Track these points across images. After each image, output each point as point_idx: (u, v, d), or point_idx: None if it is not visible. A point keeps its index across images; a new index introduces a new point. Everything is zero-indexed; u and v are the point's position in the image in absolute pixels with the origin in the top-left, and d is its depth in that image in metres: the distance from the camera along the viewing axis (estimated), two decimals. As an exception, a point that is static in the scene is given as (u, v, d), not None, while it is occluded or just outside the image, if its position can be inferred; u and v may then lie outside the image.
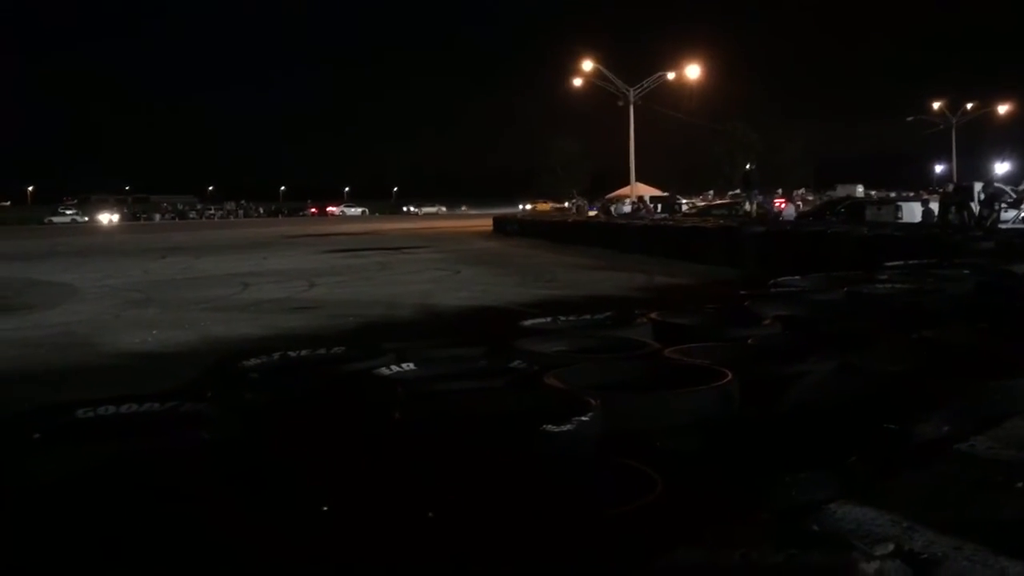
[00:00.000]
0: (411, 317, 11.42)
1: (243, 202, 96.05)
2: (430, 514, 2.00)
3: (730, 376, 3.27)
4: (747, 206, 31.99)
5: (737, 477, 2.59)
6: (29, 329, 11.04)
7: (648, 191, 57.82)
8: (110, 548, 1.97)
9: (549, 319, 5.11)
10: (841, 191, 63.04)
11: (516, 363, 3.67)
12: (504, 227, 37.62)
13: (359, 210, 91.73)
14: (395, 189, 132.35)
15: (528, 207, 75.51)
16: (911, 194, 48.36)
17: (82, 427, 2.70)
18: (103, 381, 7.50)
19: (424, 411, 2.87)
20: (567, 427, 2.61)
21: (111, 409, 2.84)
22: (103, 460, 2.30)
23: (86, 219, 70.27)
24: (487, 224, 41.29)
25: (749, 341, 4.31)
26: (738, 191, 50.07)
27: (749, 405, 3.26)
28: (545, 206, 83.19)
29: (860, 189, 67.36)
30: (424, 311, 11.94)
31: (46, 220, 69.82)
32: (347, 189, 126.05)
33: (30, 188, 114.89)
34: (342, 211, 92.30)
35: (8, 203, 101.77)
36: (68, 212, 75.23)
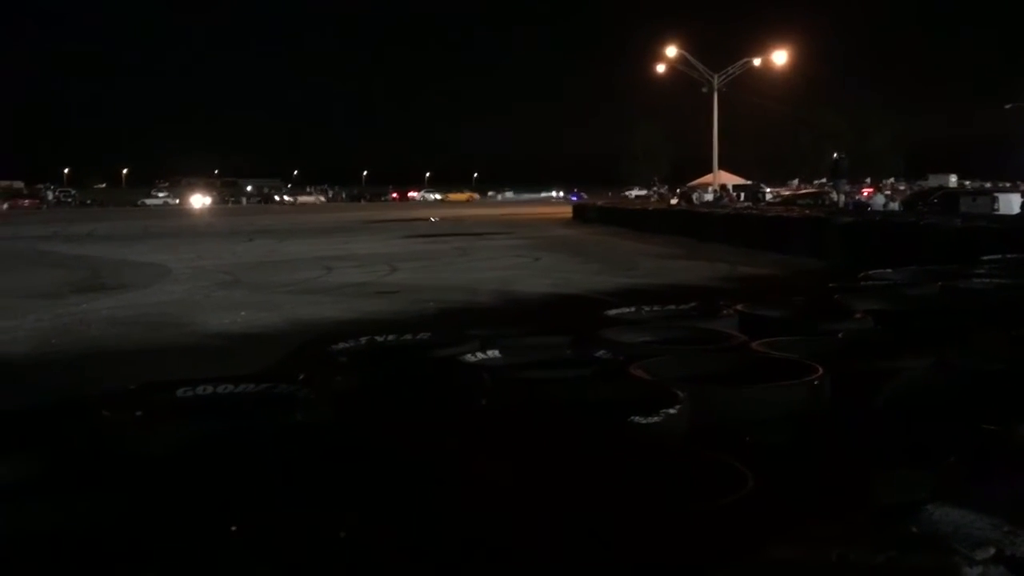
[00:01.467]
0: (491, 303, 11.48)
1: (326, 186, 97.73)
2: (517, 502, 2.01)
3: (821, 371, 3.21)
4: (834, 195, 31.22)
5: (830, 475, 2.54)
6: (124, 308, 11.45)
7: (731, 179, 56.91)
8: (211, 525, 2.04)
9: (633, 309, 5.08)
10: (933, 181, 61.11)
11: (601, 353, 3.66)
12: (584, 214, 37.48)
13: (440, 196, 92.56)
14: (475, 175, 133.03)
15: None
16: (1008, 184, 46.44)
17: (182, 406, 2.80)
18: (194, 360, 7.74)
19: (511, 399, 2.90)
20: (655, 419, 2.60)
21: (209, 389, 2.93)
22: (204, 438, 2.39)
23: (177, 202, 72.42)
24: (567, 211, 41.21)
25: (840, 335, 4.22)
26: (824, 180, 48.91)
27: (840, 401, 3.20)
28: (461, 196, 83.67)
29: (953, 179, 65.20)
30: (504, 298, 11.99)
31: (139, 202, 72.16)
32: (428, 175, 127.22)
33: (125, 170, 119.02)
34: (423, 196, 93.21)
35: (104, 185, 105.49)
36: (160, 195, 77.66)
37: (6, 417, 3.12)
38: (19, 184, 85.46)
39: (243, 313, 10.69)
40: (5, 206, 58.57)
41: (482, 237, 26.25)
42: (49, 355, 8.15)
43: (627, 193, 71.63)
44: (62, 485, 2.34)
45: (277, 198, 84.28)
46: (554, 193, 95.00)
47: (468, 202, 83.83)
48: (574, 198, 76.74)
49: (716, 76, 48.37)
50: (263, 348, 8.01)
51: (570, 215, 39.67)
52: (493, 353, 3.66)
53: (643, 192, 67.62)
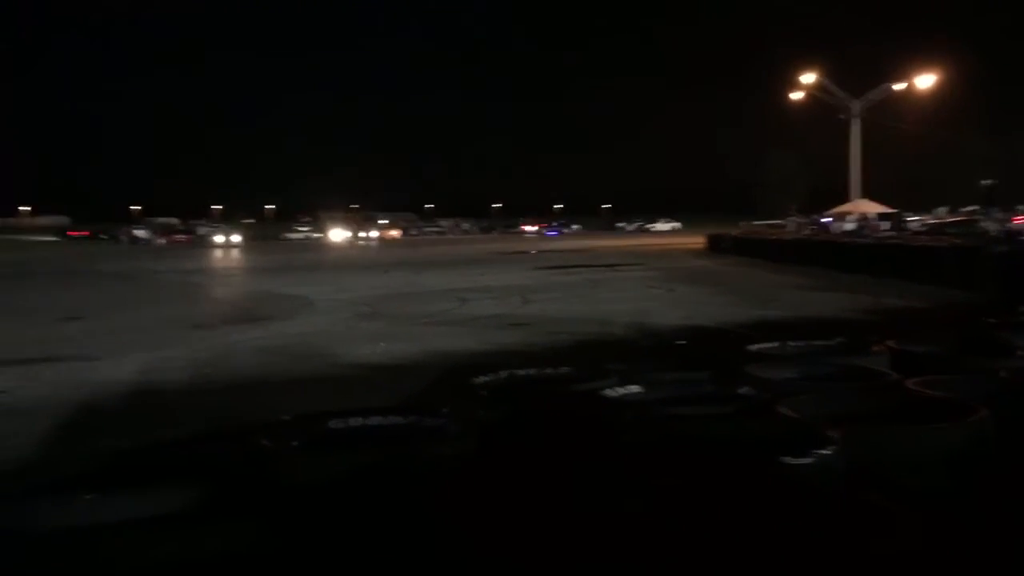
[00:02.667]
0: (625, 336, 11.41)
1: (458, 220, 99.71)
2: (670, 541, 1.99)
3: (983, 412, 3.04)
4: (986, 223, 29.66)
5: (997, 521, 2.40)
6: (271, 339, 11.95)
7: (872, 207, 54.79)
8: (366, 551, 2.10)
9: (777, 344, 4.96)
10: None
11: (745, 390, 3.59)
12: (718, 244, 36.87)
13: (572, 227, 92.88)
14: (606, 206, 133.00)
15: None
16: None
17: (335, 436, 2.91)
18: (338, 390, 8.00)
19: (655, 435, 2.87)
20: (806, 460, 2.52)
21: (359, 420, 3.03)
22: (357, 469, 2.47)
23: (318, 235, 75.27)
24: (700, 241, 40.65)
25: (1001, 374, 3.99)
26: (975, 208, 46.47)
27: (1005, 445, 3.02)
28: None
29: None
30: (638, 330, 11.89)
31: (282, 236, 75.33)
32: (557, 207, 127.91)
33: (270, 206, 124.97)
34: (546, 228, 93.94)
35: (252, 221, 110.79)
36: (303, 229, 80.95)
37: (168, 446, 3.29)
38: (174, 220, 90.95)
39: (382, 344, 10.99)
40: (162, 240, 62.25)
41: (614, 268, 26.17)
42: (203, 384, 8.58)
43: (771, 223, 69.51)
44: (223, 513, 2.46)
45: (413, 232, 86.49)
46: (661, 224, 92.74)
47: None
48: (552, 233, 75.30)
49: (856, 102, 46.90)
50: (402, 379, 8.21)
51: (703, 246, 39.10)
52: (634, 388, 3.64)
53: (779, 222, 65.81)
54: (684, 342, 10.41)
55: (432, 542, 2.04)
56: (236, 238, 55.13)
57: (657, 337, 11.23)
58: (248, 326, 13.47)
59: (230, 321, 14.09)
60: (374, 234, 65.45)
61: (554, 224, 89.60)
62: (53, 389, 8.32)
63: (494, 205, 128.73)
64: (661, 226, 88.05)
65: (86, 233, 71.44)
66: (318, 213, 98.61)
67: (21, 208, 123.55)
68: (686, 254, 34.96)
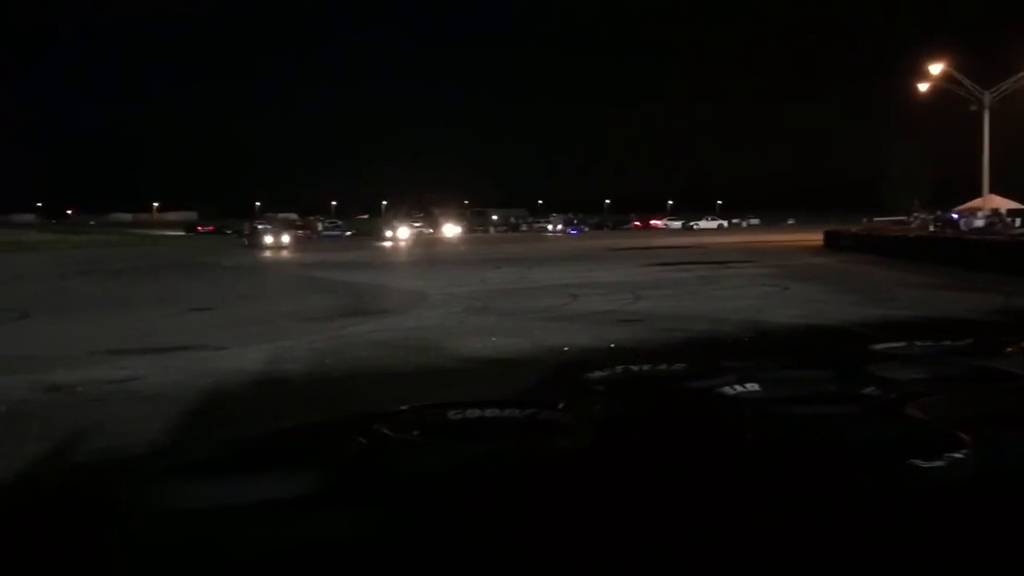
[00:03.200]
0: (739, 334, 11.19)
1: (569, 215, 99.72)
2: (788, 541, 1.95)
3: None
4: None
5: None
6: (386, 332, 12.22)
7: (1005, 203, 52.09)
8: (483, 541, 2.13)
9: (903, 344, 4.78)
10: None
11: (870, 390, 3.48)
12: (836, 241, 35.71)
13: (682, 223, 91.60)
14: (719, 202, 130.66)
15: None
16: None
17: (454, 427, 2.96)
18: (452, 382, 8.11)
19: (774, 434, 2.81)
20: (938, 463, 2.43)
21: (477, 412, 3.08)
22: (477, 459, 2.51)
23: (430, 231, 76.43)
24: (816, 238, 39.48)
25: None
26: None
27: None
28: None
29: None
30: (752, 328, 11.65)
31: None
32: (670, 202, 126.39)
33: (384, 202, 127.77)
34: (666, 224, 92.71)
35: (366, 216, 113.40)
36: (416, 224, 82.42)
37: (292, 433, 3.41)
38: (294, 216, 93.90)
39: (494, 338, 11.09)
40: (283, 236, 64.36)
41: (726, 265, 25.69)
42: (323, 374, 8.84)
43: (895, 219, 66.64)
44: (346, 499, 2.54)
45: (524, 227, 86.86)
46: (706, 223, 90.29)
47: None
48: (574, 232, 73.18)
49: (987, 93, 44.66)
50: (515, 373, 8.27)
51: (820, 243, 37.97)
52: (752, 386, 3.57)
53: (903, 218, 63.17)
54: (800, 340, 10.15)
55: (548, 535, 2.06)
56: (348, 233, 56.36)
57: (772, 335, 10.98)
58: (364, 319, 13.80)
59: (347, 314, 14.46)
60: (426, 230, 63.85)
61: (575, 222, 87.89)
62: (183, 376, 8.72)
63: (606, 201, 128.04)
64: (706, 224, 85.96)
65: (211, 228, 74.54)
66: (430, 209, 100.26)
67: (153, 204, 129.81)
68: (802, 251, 34.00)
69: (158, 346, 10.99)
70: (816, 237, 39.62)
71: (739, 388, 3.55)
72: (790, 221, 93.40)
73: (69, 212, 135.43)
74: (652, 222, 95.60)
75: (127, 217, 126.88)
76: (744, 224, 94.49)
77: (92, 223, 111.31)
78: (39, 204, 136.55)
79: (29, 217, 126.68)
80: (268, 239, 43.83)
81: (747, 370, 4.01)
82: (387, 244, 52.85)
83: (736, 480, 2.35)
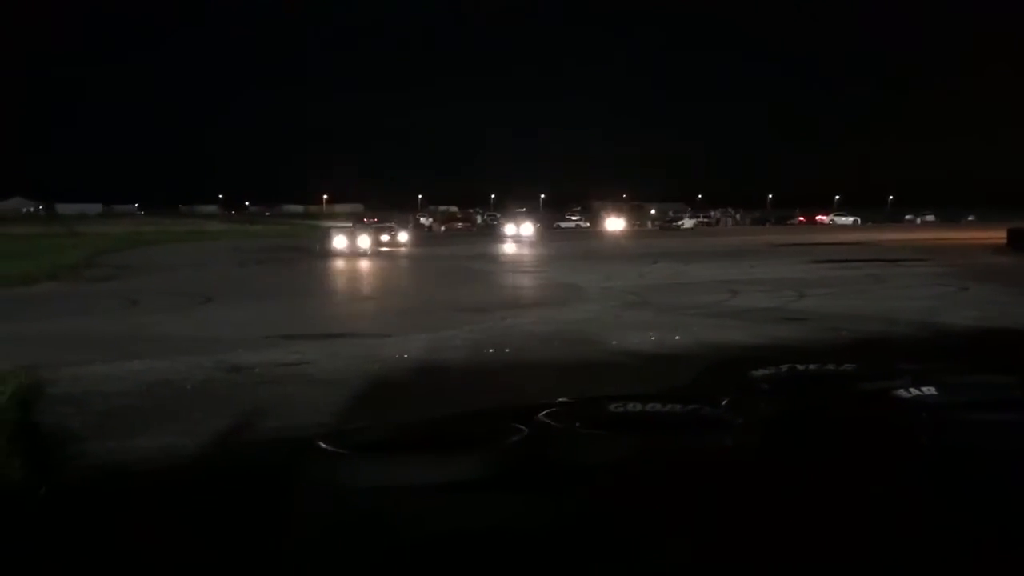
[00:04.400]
0: (912, 335, 10.66)
1: (729, 209, 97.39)
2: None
3: None
4: None
5: None
6: (543, 324, 12.33)
7: None
8: (647, 534, 2.12)
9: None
10: None
11: (1062, 398, 3.24)
12: (1021, 240, 33.30)
13: (851, 219, 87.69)
14: (891, 197, 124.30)
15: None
16: None
17: (615, 420, 2.96)
18: (608, 376, 8.09)
19: (956, 442, 2.67)
20: None
21: (638, 406, 3.07)
22: (639, 453, 2.50)
23: (588, 225, 76.41)
24: (998, 236, 36.98)
25: None
26: None
27: None
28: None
29: None
30: (927, 329, 11.06)
31: (554, 225, 77.29)
32: (837, 197, 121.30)
33: (542, 196, 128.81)
34: (832, 220, 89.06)
35: (523, 209, 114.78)
36: (573, 218, 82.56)
37: (457, 419, 3.49)
38: (454, 208, 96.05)
39: (651, 334, 11.00)
40: (443, 228, 65.90)
41: (897, 264, 24.46)
42: (482, 363, 9.02)
43: None
44: (508, 486, 2.58)
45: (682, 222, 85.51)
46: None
47: None
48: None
49: None
50: (672, 368, 8.17)
51: (1004, 241, 35.53)
52: (929, 390, 3.40)
53: None
54: (979, 343, 9.55)
55: (716, 535, 2.03)
56: (512, 228, 56.86)
57: (948, 338, 10.39)
58: (522, 311, 13.97)
59: (505, 306, 14.69)
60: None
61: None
62: (350, 361, 9.09)
63: (769, 196, 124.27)
64: (843, 220, 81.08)
65: (375, 220, 77.06)
66: (589, 202, 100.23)
67: (323, 197, 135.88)
68: (982, 249, 31.95)
69: (326, 332, 11.52)
70: (999, 235, 37.10)
71: (915, 391, 3.38)
72: (969, 218, 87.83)
73: (247, 204, 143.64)
74: (818, 218, 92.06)
75: (299, 209, 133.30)
76: (918, 221, 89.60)
77: (267, 214, 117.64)
78: (220, 196, 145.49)
79: (211, 208, 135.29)
80: (346, 241, 33.11)
81: (923, 372, 3.81)
82: (547, 237, 53.19)
83: (915, 491, 2.24)
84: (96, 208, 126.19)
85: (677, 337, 10.58)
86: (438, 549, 2.27)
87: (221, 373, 8.39)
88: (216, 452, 5.61)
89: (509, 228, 55.64)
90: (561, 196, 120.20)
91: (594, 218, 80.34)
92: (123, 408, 6.94)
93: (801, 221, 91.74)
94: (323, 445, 2.91)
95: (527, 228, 55.44)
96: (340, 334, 11.25)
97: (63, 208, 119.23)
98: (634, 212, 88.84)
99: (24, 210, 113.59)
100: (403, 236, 36.70)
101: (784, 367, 3.95)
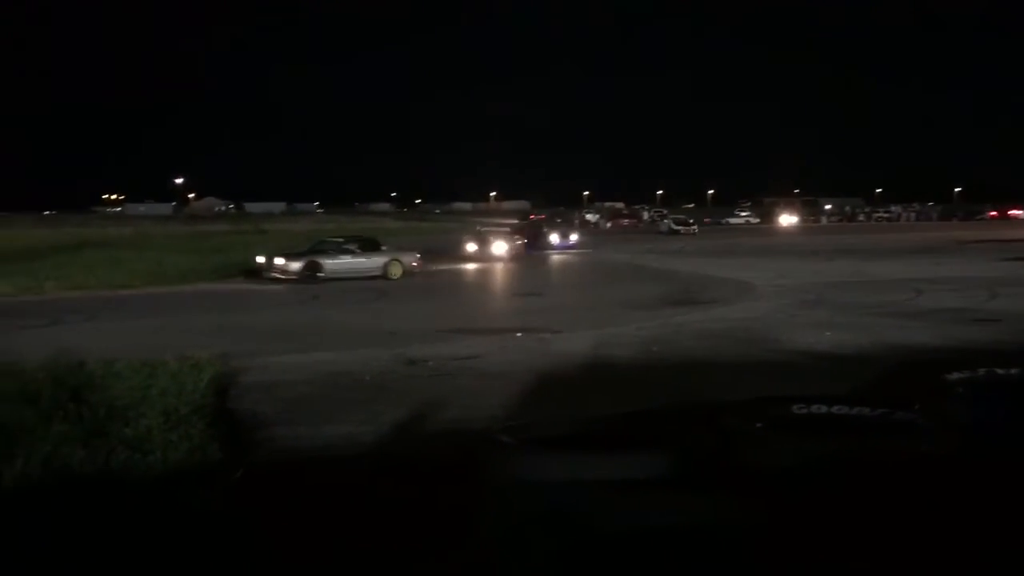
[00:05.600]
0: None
1: (914, 204, 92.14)
2: None
3: None
4: None
5: None
6: (713, 322, 12.10)
7: None
8: (835, 539, 2.05)
9: None
10: None
11: None
12: None
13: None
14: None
15: None
16: None
17: (799, 422, 2.86)
18: (784, 376, 7.85)
19: None
20: None
21: (823, 408, 2.95)
22: (830, 457, 2.42)
23: (757, 220, 74.19)
24: None
25: None
26: None
27: None
28: None
29: None
30: None
31: (723, 221, 75.56)
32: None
33: (710, 192, 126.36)
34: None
35: (691, 205, 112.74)
36: (742, 213, 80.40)
37: (635, 416, 3.47)
38: (620, 205, 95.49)
39: (827, 333, 10.60)
40: (609, 225, 65.57)
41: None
42: (650, 361, 8.95)
43: None
44: (691, 486, 2.55)
45: (862, 217, 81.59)
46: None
47: None
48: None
49: None
50: (851, 369, 7.84)
51: None
52: None
53: None
54: None
55: (919, 546, 1.94)
56: (676, 224, 55.80)
57: None
58: (690, 308, 13.76)
59: (673, 303, 14.50)
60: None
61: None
62: (520, 356, 9.25)
63: (956, 190, 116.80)
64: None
65: (543, 217, 77.41)
66: (760, 198, 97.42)
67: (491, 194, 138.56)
68: None
69: (497, 327, 11.74)
70: None
71: None
72: None
73: (418, 201, 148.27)
74: (1012, 212, 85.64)
75: (467, 206, 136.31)
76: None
77: (437, 211, 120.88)
78: (392, 194, 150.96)
79: (384, 206, 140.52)
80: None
81: None
82: (716, 232, 52.10)
83: None
84: (280, 206, 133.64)
85: (855, 337, 10.14)
86: (625, 546, 2.27)
87: (398, 365, 8.71)
88: (397, 442, 5.83)
89: (673, 224, 54.59)
90: (730, 191, 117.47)
91: (764, 213, 77.89)
92: (309, 396, 7.33)
93: (993, 216, 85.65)
94: (506, 439, 2.95)
95: (692, 224, 54.26)
96: (510, 329, 11.44)
97: (250, 207, 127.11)
98: (806, 207, 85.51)
99: (216, 209, 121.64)
100: (574, 237, 36.42)
101: (982, 371, 3.71)
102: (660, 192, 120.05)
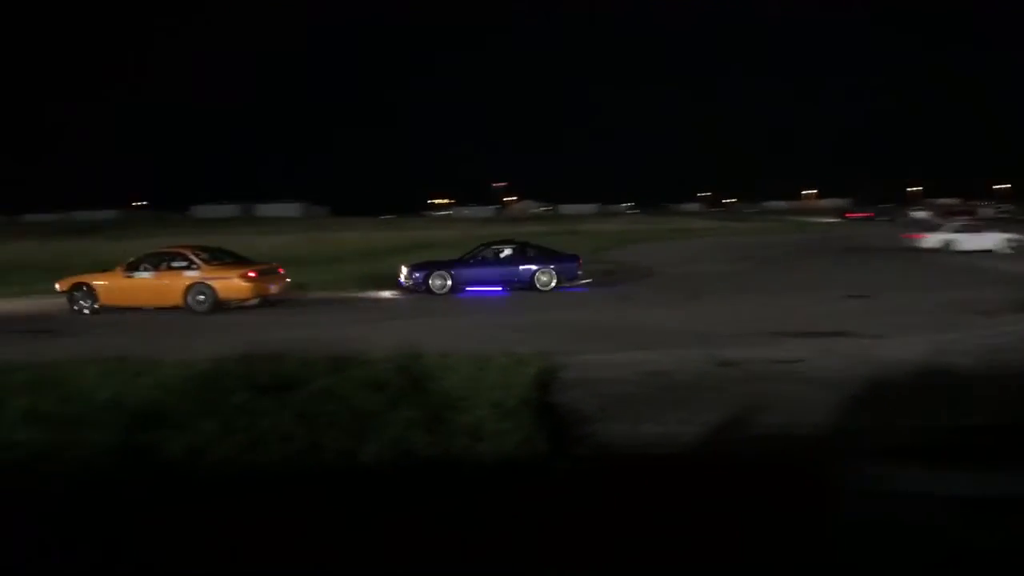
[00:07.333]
0: None
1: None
2: None
3: None
4: None
5: None
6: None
7: None
8: None
9: None
10: None
11: None
12: None
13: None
14: None
15: None
16: None
17: None
18: None
19: None
20: None
21: None
22: None
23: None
24: None
25: None
26: None
27: None
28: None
29: None
30: None
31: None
32: None
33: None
34: None
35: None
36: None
37: (973, 429, 3.23)
38: (954, 201, 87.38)
39: None
40: (942, 223, 60.04)
41: None
42: (992, 370, 8.15)
43: None
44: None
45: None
46: None
47: None
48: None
49: None
50: None
51: None
52: None
53: None
54: None
55: None
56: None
57: None
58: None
59: (1018, 309, 13.06)
60: None
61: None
62: (844, 362, 8.79)
63: None
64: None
65: (871, 215, 72.39)
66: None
67: (805, 192, 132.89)
68: None
69: (817, 330, 11.24)
70: None
71: None
72: None
73: (729, 201, 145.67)
74: None
75: (782, 205, 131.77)
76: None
77: (749, 211, 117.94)
78: (701, 194, 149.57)
79: (693, 206, 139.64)
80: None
81: None
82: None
83: None
84: (593, 208, 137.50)
85: None
86: (987, 566, 2.13)
87: (713, 367, 8.63)
88: (716, 443, 5.80)
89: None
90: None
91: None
92: (626, 394, 7.48)
93: None
94: (842, 446, 2.87)
95: None
96: (832, 332, 10.92)
97: (565, 208, 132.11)
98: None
99: (531, 211, 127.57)
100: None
101: None
102: (996, 187, 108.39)
